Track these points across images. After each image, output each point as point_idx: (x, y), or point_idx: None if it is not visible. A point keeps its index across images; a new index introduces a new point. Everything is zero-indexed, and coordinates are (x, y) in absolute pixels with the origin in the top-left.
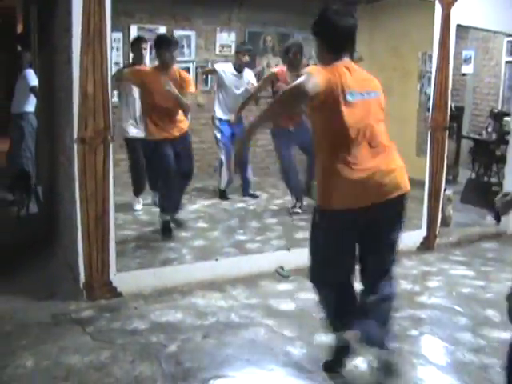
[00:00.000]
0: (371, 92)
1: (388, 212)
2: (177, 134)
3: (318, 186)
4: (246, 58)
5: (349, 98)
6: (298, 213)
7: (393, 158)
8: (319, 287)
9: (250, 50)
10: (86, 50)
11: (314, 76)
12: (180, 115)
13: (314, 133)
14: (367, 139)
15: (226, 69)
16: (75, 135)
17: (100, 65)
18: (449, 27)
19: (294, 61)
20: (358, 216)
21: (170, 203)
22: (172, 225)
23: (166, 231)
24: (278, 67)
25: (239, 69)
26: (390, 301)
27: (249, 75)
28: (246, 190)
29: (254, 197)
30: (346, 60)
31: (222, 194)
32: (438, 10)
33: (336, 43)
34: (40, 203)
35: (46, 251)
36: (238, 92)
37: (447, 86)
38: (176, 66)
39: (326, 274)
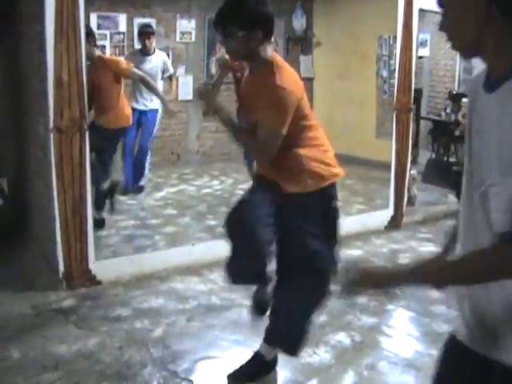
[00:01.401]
0: None
1: None
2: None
3: (310, 172)
4: (150, 41)
5: None
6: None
7: None
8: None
9: (151, 32)
10: (60, 38)
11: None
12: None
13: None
14: None
15: (135, 55)
16: (51, 124)
17: (74, 52)
18: (412, 12)
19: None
20: None
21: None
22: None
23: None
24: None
25: (145, 51)
26: None
27: (160, 57)
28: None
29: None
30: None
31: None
32: None
33: (270, 33)
34: (5, 195)
35: (17, 244)
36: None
37: (411, 69)
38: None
39: None
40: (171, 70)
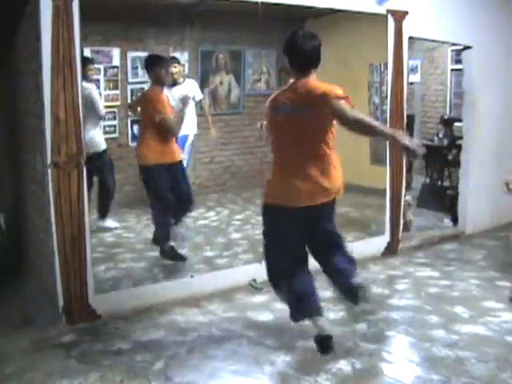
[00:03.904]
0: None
1: None
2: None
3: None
4: (175, 69)
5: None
6: None
7: None
8: None
9: (177, 61)
10: (57, 75)
11: None
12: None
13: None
14: None
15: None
16: (49, 160)
17: (71, 89)
18: (402, 40)
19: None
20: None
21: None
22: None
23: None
24: None
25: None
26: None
27: (188, 86)
28: None
29: None
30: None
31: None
32: (391, 23)
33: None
34: (1, 230)
35: (15, 279)
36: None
37: (403, 96)
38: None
39: None
40: (200, 96)
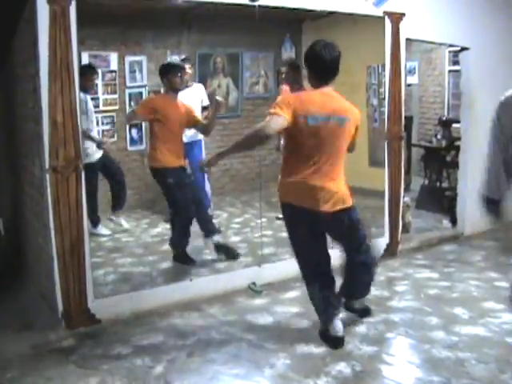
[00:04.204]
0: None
1: None
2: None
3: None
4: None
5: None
6: None
7: None
8: None
9: (190, 62)
10: (54, 79)
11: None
12: None
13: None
14: None
15: None
16: (47, 165)
17: (68, 93)
18: (399, 41)
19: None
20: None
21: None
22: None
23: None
24: None
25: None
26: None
27: (196, 90)
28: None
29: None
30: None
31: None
32: (388, 25)
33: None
34: (1, 236)
35: (14, 283)
36: None
37: (401, 98)
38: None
39: None
40: (207, 101)
